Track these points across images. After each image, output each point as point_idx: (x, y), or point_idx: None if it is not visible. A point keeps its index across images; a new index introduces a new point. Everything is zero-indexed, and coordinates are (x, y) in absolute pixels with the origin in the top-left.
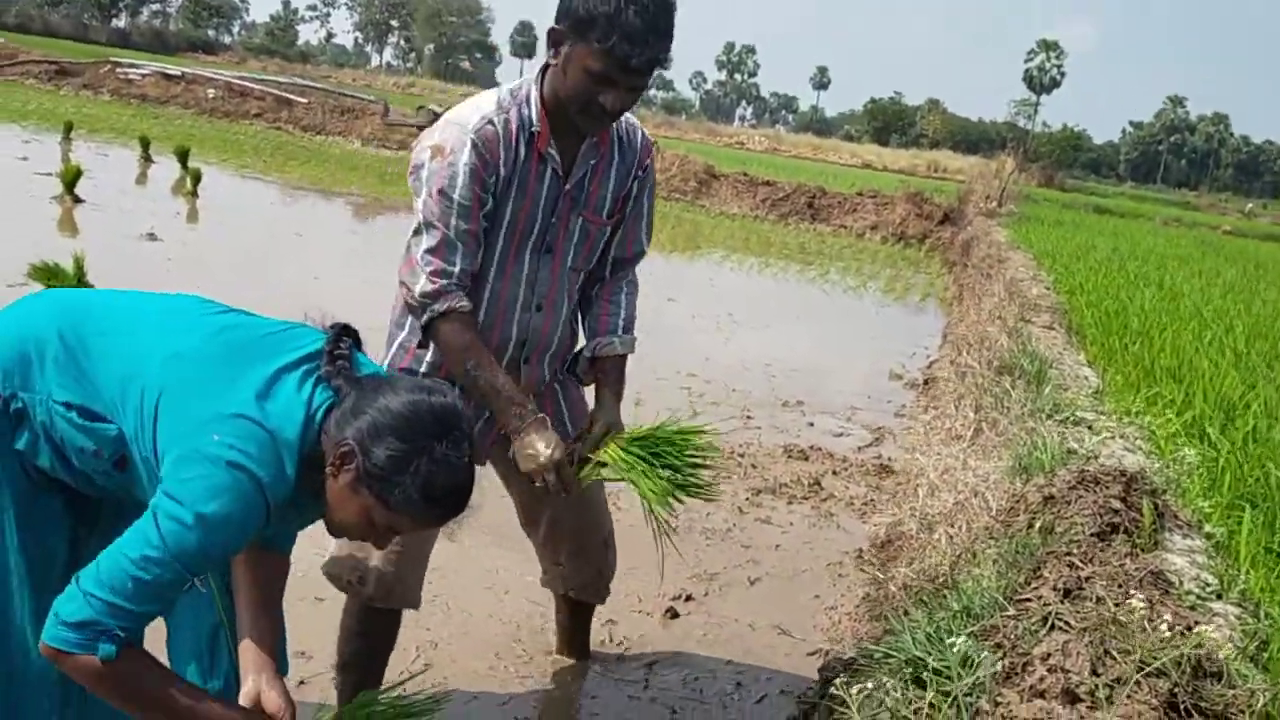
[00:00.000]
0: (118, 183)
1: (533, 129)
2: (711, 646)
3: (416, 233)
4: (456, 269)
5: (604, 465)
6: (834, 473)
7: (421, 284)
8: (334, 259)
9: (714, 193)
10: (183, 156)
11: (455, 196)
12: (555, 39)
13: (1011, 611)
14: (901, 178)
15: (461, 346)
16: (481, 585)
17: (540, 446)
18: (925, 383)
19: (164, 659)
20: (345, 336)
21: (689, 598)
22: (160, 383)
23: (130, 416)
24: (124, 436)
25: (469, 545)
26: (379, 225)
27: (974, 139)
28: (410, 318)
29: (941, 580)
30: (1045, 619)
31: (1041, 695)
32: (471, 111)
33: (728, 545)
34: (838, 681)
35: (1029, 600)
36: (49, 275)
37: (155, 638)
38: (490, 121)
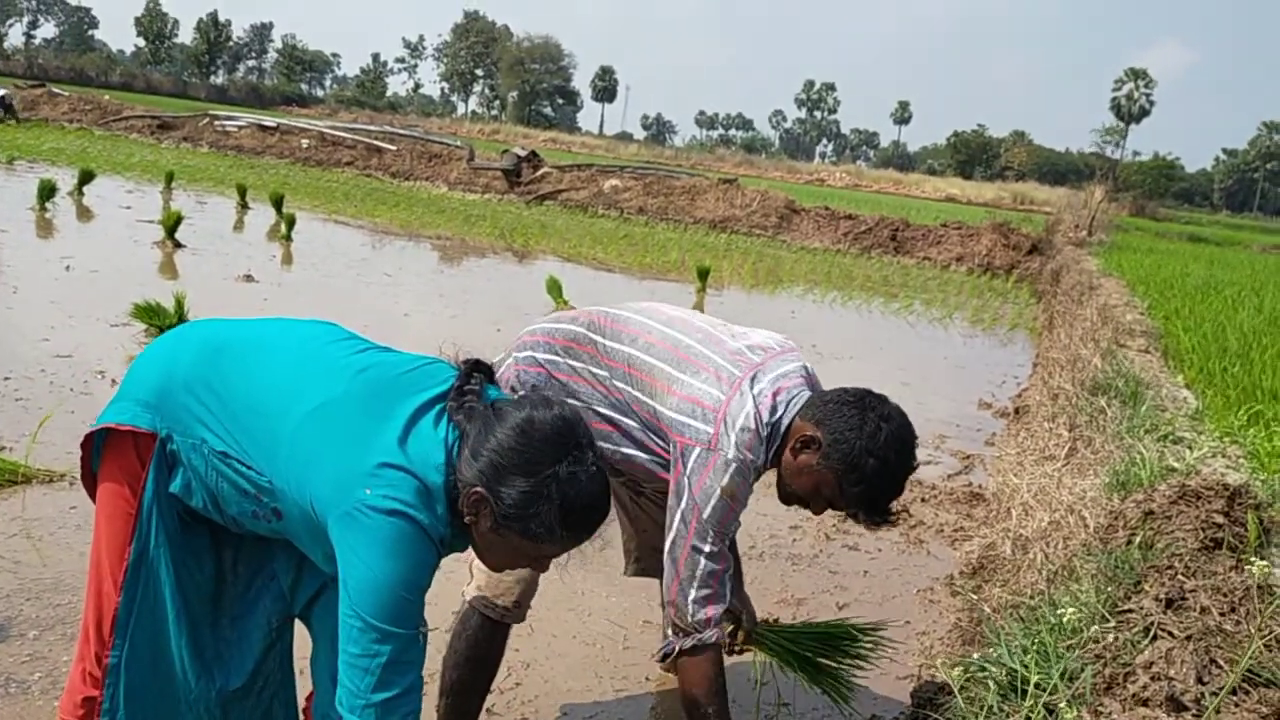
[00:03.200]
0: (216, 229)
1: (760, 472)
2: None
3: (693, 551)
4: (727, 599)
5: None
6: (923, 500)
7: (697, 614)
8: (422, 297)
9: (795, 227)
10: (278, 203)
11: (728, 536)
12: (807, 441)
13: (1112, 623)
14: (987, 210)
15: (711, 688)
16: (565, 607)
17: None
18: (1016, 411)
19: (306, 673)
20: (477, 372)
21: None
22: (307, 438)
23: (280, 471)
24: (275, 488)
25: (553, 570)
26: (465, 265)
27: (1061, 170)
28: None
29: (1038, 597)
30: (1147, 629)
31: (1145, 703)
32: (754, 458)
33: (815, 571)
34: (932, 701)
35: (1130, 611)
36: (151, 314)
37: (300, 647)
38: (754, 469)
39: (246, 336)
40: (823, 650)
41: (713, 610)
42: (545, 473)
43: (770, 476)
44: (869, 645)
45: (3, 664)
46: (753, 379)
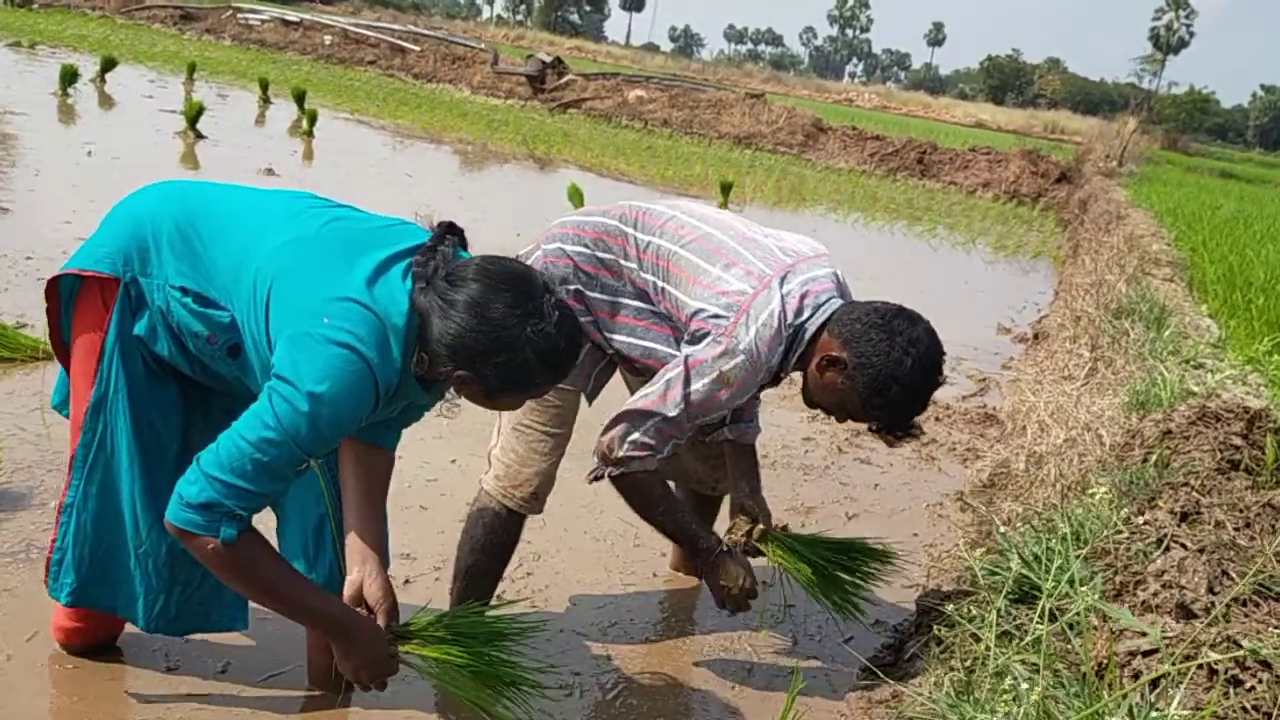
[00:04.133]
0: (238, 122)
1: (778, 374)
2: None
3: (655, 410)
4: (663, 454)
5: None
6: (936, 419)
7: (627, 452)
8: (442, 200)
9: (821, 146)
10: (300, 99)
11: (700, 417)
12: (833, 361)
13: (1125, 533)
14: (1017, 137)
15: (651, 499)
16: (579, 504)
17: (736, 576)
18: (1035, 336)
19: None
20: (450, 234)
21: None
22: (273, 268)
23: (242, 301)
24: (235, 323)
25: (567, 467)
26: (486, 170)
27: (1094, 100)
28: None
29: (1050, 510)
30: (1160, 540)
31: (1154, 609)
32: (768, 355)
33: (826, 481)
34: (938, 608)
35: (1145, 525)
36: None
37: (264, 531)
38: (767, 368)
39: (216, 187)
40: (834, 561)
41: (643, 454)
42: (517, 340)
43: (787, 389)
44: (879, 564)
45: (26, 531)
46: (783, 278)
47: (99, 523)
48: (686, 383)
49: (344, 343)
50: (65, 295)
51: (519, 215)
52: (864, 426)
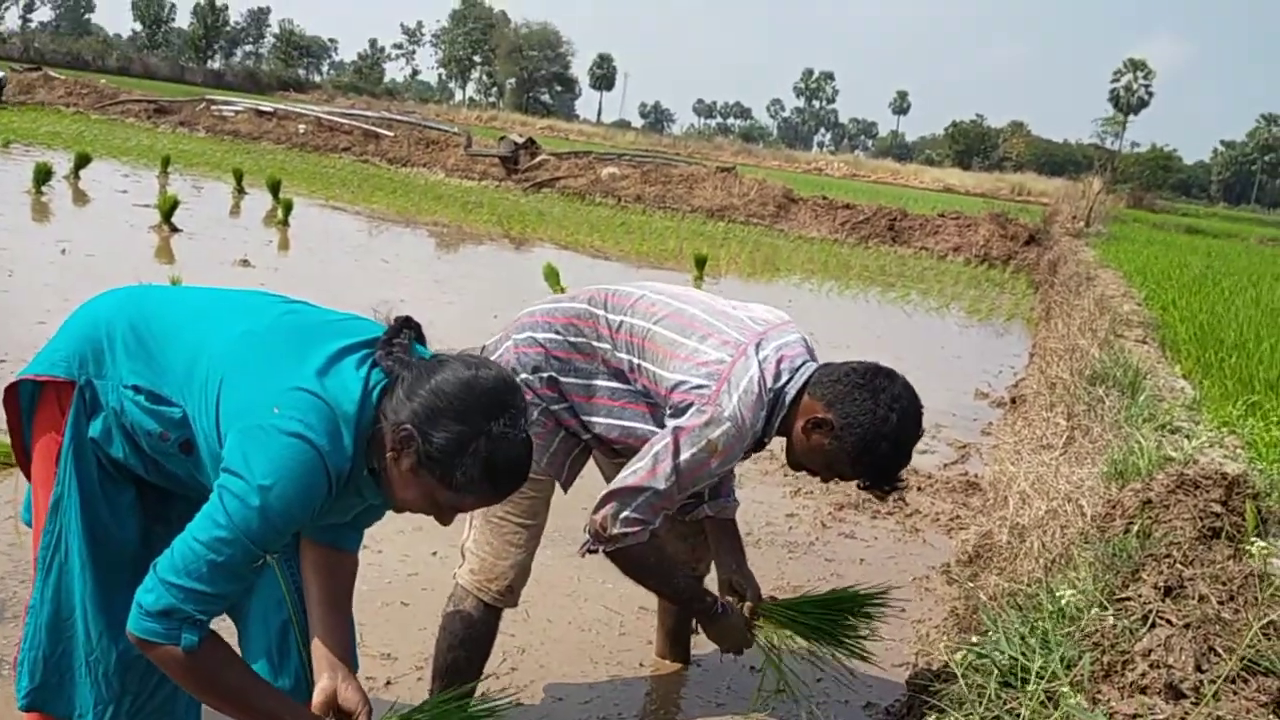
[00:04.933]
0: (212, 213)
1: (762, 439)
2: (794, 657)
3: (646, 485)
4: (655, 525)
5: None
6: (919, 489)
7: (620, 529)
8: (420, 284)
9: (792, 217)
10: (274, 188)
11: (691, 486)
12: (819, 423)
13: (1110, 610)
14: (984, 200)
15: (646, 568)
16: (562, 593)
17: (734, 628)
18: (1013, 401)
19: None
20: (407, 329)
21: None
22: (224, 361)
23: (194, 396)
24: (187, 418)
25: (550, 555)
26: (462, 252)
27: (1059, 161)
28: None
29: (1035, 585)
30: (1145, 617)
31: (1143, 691)
32: (752, 421)
33: (811, 558)
34: (929, 688)
35: (1129, 599)
36: None
37: (227, 637)
38: (752, 434)
39: (173, 288)
40: (828, 616)
41: (636, 529)
42: (478, 424)
43: (768, 464)
44: (873, 610)
45: None
46: (758, 345)
47: (53, 627)
48: (676, 453)
49: (294, 432)
50: (26, 402)
51: (495, 296)
52: (848, 499)
